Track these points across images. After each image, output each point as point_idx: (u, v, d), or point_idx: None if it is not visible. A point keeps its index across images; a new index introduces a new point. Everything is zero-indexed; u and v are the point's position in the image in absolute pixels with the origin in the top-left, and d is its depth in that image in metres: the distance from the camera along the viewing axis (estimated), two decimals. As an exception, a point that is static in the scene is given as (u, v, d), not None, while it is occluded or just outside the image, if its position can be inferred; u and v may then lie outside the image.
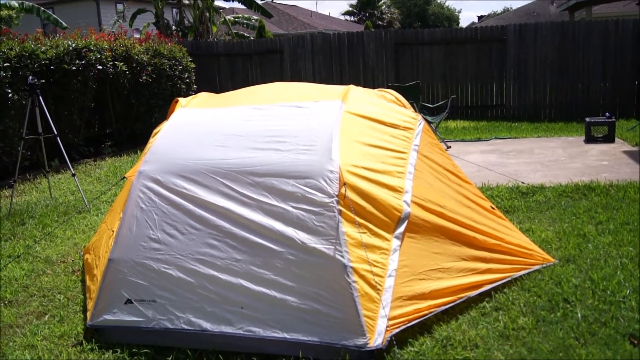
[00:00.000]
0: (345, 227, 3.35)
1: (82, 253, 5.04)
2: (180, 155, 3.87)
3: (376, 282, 3.27)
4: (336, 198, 3.41)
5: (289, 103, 4.08)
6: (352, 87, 4.35)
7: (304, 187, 3.46)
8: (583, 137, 9.32)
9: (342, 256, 3.26)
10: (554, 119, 11.99)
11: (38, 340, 3.65)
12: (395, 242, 3.49)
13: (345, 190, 3.42)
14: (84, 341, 3.56)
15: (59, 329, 3.78)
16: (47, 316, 4.01)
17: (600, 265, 4.13)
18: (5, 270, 4.84)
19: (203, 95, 4.67)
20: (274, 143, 3.74)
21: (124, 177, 4.22)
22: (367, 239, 3.40)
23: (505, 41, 12.27)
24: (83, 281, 4.47)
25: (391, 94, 4.58)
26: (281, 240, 3.37)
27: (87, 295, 3.99)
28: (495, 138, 9.99)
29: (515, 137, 9.97)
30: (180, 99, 4.51)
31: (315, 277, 3.26)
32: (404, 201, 3.68)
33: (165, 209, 3.67)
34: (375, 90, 4.61)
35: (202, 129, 4.05)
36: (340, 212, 3.38)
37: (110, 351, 3.44)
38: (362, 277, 3.24)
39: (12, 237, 5.69)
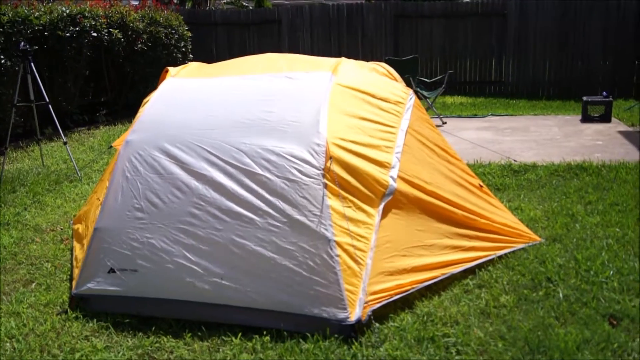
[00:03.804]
0: (331, 201, 3.35)
1: (71, 222, 5.05)
2: (167, 124, 3.84)
3: (359, 257, 3.27)
4: (322, 171, 3.39)
5: (278, 73, 4.03)
6: (343, 59, 4.30)
7: (290, 159, 3.44)
8: (580, 116, 9.26)
9: (326, 229, 3.26)
10: (552, 97, 11.90)
11: (24, 308, 3.67)
12: (379, 218, 3.48)
13: (330, 164, 3.40)
14: (68, 309, 3.58)
15: (45, 297, 3.79)
16: (33, 284, 4.02)
17: (586, 246, 4.14)
18: (-7, 237, 4.84)
19: (193, 65, 4.62)
20: (262, 113, 3.71)
21: (111, 146, 4.20)
22: (352, 213, 3.40)
23: (506, 16, 12.12)
24: (71, 250, 4.48)
25: (383, 67, 4.53)
26: (264, 212, 3.36)
27: (75, 264, 4.00)
28: (492, 115, 9.94)
29: (511, 115, 9.91)
30: (170, 69, 4.46)
31: (298, 250, 3.26)
32: (390, 176, 3.66)
33: (150, 177, 3.65)
34: (368, 63, 4.56)
35: (191, 99, 4.01)
36: (325, 185, 3.37)
37: (94, 320, 3.46)
38: (345, 251, 3.25)
39: (2, 205, 5.68)
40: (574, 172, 6.01)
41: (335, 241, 3.24)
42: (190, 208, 3.50)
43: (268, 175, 3.43)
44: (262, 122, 3.64)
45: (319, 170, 3.39)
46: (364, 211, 3.46)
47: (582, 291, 3.51)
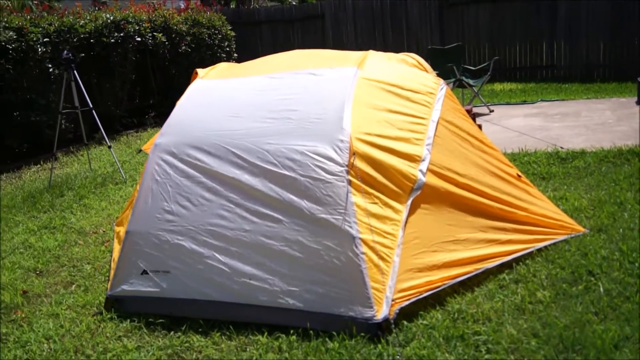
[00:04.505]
0: (355, 198, 3.29)
1: (114, 224, 5.17)
2: (194, 126, 3.87)
3: (386, 254, 3.20)
4: (346, 168, 3.33)
5: (303, 70, 3.99)
6: (371, 52, 4.22)
7: (314, 156, 3.40)
8: (636, 98, 8.81)
9: (351, 227, 3.20)
10: (608, 79, 11.34)
11: (62, 310, 3.78)
12: (407, 213, 3.40)
13: (354, 160, 3.34)
14: (104, 310, 3.66)
15: (82, 299, 3.90)
16: (73, 286, 4.14)
17: (633, 236, 3.91)
18: (40, 241, 5.02)
19: (222, 65, 4.64)
20: (286, 112, 3.68)
21: (141, 150, 4.26)
22: (378, 209, 3.33)
23: (555, -3, 11.65)
24: (112, 252, 4.58)
25: (413, 57, 4.42)
26: (289, 211, 3.33)
27: (112, 266, 4.09)
28: (542, 101, 9.58)
29: (563, 100, 9.53)
30: (199, 70, 4.50)
31: (323, 248, 3.22)
32: (420, 170, 3.56)
33: (179, 180, 3.69)
34: (397, 55, 4.46)
35: (217, 100, 4.03)
36: (350, 182, 3.31)
37: (128, 320, 3.52)
38: (371, 248, 3.18)
39: (51, 209, 5.88)
40: (625, 158, 5.71)
41: (360, 238, 3.18)
42: (220, 210, 3.52)
43: (292, 174, 3.39)
44: (286, 120, 3.61)
45: (343, 167, 3.33)
46: (390, 207, 3.38)
47: (625, 285, 3.32)
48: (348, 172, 3.33)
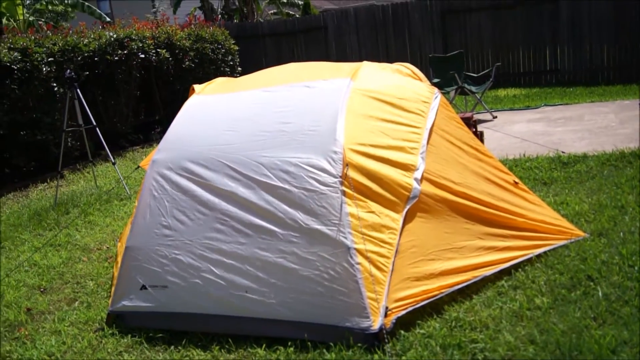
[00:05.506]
0: (350, 208, 3.30)
1: (117, 240, 5.21)
2: (190, 142, 3.90)
3: (382, 264, 3.21)
4: (340, 179, 3.35)
5: (298, 83, 4.02)
6: (365, 63, 4.24)
7: (308, 168, 3.42)
8: (639, 100, 8.76)
9: (346, 237, 3.21)
10: (612, 81, 11.29)
11: (65, 326, 3.81)
12: (403, 222, 3.40)
13: (347, 171, 3.35)
14: (105, 326, 3.69)
15: (85, 315, 3.93)
16: (76, 302, 4.17)
17: (634, 240, 3.89)
18: (45, 258, 5.07)
19: (219, 80, 4.68)
20: (281, 125, 3.70)
21: (139, 167, 4.31)
22: (375, 218, 3.33)
23: (557, 1, 11.64)
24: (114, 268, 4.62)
25: (407, 67, 4.44)
26: (285, 223, 3.35)
27: (113, 282, 4.12)
28: (545, 105, 9.56)
29: (566, 104, 9.49)
30: (196, 86, 4.54)
31: (318, 260, 3.23)
32: (415, 179, 3.57)
33: (176, 195, 3.72)
34: (392, 65, 4.48)
35: (212, 115, 4.07)
36: (344, 192, 3.33)
37: (129, 336, 3.55)
38: (367, 258, 3.19)
39: (56, 227, 5.94)
40: (627, 161, 5.68)
41: (355, 249, 3.18)
42: (215, 224, 3.54)
43: (287, 186, 3.42)
44: (280, 133, 3.64)
45: (337, 178, 3.35)
46: (387, 216, 3.38)
47: (624, 289, 3.30)
48: (342, 183, 3.34)
